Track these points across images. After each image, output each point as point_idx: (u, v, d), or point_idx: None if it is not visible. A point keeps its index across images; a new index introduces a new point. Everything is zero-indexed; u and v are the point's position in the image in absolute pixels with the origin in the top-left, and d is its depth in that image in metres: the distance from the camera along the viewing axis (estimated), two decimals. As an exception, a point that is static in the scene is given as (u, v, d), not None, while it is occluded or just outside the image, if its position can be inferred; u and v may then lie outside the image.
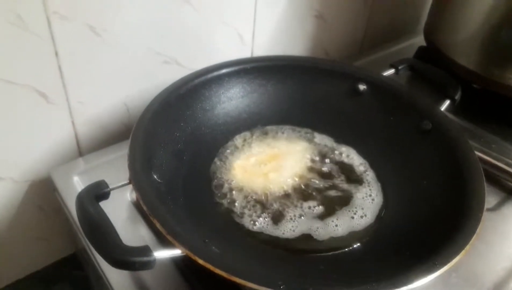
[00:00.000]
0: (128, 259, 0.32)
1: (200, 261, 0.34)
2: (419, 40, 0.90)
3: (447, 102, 0.55)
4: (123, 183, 0.41)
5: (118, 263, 0.33)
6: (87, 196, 0.37)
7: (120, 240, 0.34)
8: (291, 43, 0.78)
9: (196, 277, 0.44)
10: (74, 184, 0.55)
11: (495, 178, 0.59)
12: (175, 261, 0.47)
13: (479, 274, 0.48)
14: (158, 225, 0.36)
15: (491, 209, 0.56)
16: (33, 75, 0.51)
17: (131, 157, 0.42)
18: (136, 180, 0.40)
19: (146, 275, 0.46)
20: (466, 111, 0.69)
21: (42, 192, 0.60)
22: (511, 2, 0.63)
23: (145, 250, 0.33)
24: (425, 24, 0.83)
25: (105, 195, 0.39)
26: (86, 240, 0.48)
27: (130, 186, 0.54)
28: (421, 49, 0.83)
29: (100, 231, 0.34)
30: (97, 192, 0.38)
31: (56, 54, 0.51)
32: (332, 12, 0.80)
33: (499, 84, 0.66)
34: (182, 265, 0.45)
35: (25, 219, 0.61)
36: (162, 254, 0.34)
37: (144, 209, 0.38)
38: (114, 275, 0.46)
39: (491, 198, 0.56)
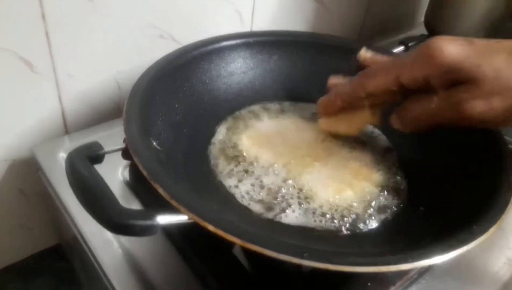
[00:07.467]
0: (129, 222, 0.28)
1: (210, 227, 0.29)
2: (417, 32, 0.88)
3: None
4: (119, 147, 0.36)
5: (118, 227, 0.28)
6: (78, 156, 0.32)
7: (119, 203, 0.29)
8: (290, 26, 0.74)
9: (195, 252, 0.40)
10: (60, 162, 0.51)
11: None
12: (171, 239, 0.42)
13: (492, 258, 0.45)
14: (160, 190, 0.32)
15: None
16: (16, 39, 0.46)
17: (127, 119, 0.37)
18: (134, 143, 0.35)
19: (141, 257, 0.41)
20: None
21: (24, 174, 0.55)
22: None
23: (148, 213, 0.29)
24: (425, 12, 0.82)
25: (98, 158, 0.34)
26: (71, 217, 0.45)
27: (122, 164, 0.51)
28: (422, 38, 0.81)
29: (95, 193, 0.30)
30: (90, 153, 0.33)
31: (43, 16, 0.47)
32: (332, -2, 0.78)
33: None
34: (180, 240, 0.41)
35: (4, 204, 0.55)
36: (167, 219, 0.30)
37: (144, 174, 0.33)
38: (108, 261, 0.41)
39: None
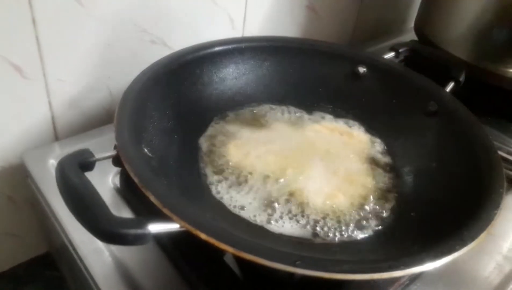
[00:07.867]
0: (121, 231, 0.28)
1: (203, 236, 0.29)
2: (407, 38, 0.89)
3: (452, 84, 0.52)
4: (110, 154, 0.36)
5: (109, 236, 0.28)
6: (69, 163, 0.32)
7: (110, 211, 0.29)
8: (282, 33, 0.75)
9: (186, 260, 0.40)
10: (50, 169, 0.50)
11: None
12: (162, 247, 0.42)
13: (482, 264, 0.46)
14: (152, 198, 0.31)
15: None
16: (6, 44, 0.46)
17: (118, 126, 0.37)
18: (125, 150, 0.35)
19: (131, 265, 0.41)
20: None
21: (13, 180, 0.54)
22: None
23: (140, 222, 0.29)
24: (416, 17, 0.82)
25: (89, 166, 0.34)
26: (61, 225, 0.44)
27: (112, 171, 0.51)
28: (412, 43, 0.82)
29: (86, 201, 0.29)
30: (81, 160, 0.33)
31: (34, 21, 0.46)
32: (324, 4, 0.78)
33: (491, 74, 0.65)
34: (171, 248, 0.40)
35: (-8, 211, 0.55)
36: (158, 227, 0.29)
37: (136, 182, 0.33)
38: (98, 269, 0.41)
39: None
